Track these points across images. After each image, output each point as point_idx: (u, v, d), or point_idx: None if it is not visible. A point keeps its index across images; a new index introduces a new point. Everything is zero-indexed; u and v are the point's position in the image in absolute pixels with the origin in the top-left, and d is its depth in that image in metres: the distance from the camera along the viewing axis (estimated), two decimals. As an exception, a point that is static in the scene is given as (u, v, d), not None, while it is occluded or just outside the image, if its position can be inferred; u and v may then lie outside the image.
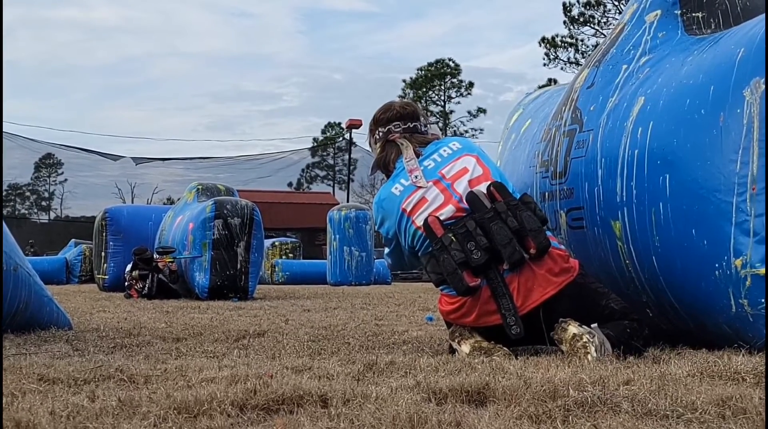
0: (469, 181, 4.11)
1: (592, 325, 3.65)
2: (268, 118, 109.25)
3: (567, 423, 2.20)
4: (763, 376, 2.83)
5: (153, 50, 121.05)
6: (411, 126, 4.43)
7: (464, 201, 4.04)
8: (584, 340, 3.56)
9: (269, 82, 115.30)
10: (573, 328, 3.64)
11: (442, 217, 4.02)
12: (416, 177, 4.18)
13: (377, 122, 4.48)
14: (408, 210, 4.14)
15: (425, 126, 4.52)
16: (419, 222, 4.07)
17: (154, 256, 12.92)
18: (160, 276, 12.60)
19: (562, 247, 4.15)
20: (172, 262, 12.69)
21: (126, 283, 13.04)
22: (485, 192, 4.03)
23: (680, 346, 3.93)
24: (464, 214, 4.00)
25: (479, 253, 3.85)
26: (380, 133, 4.45)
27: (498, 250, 3.86)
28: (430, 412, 2.27)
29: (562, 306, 3.84)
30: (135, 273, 12.73)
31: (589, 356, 3.49)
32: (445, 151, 4.26)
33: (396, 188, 4.24)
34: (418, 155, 4.28)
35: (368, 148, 4.71)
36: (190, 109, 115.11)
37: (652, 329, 4.29)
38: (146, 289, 12.47)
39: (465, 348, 3.89)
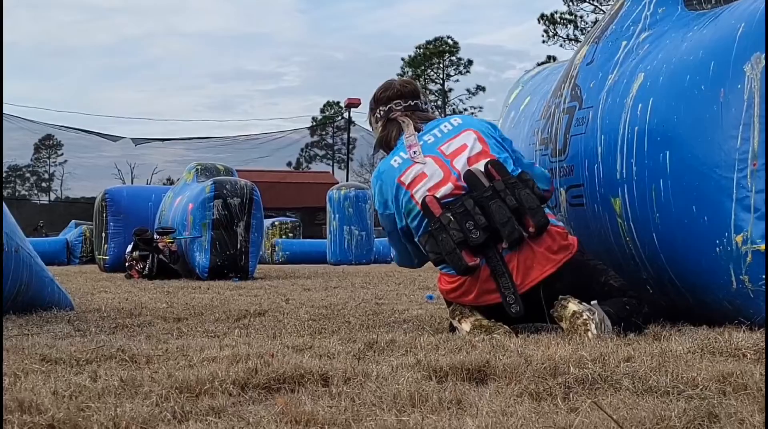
0: (468, 159, 4.09)
1: (592, 302, 3.64)
2: (269, 97, 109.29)
3: (567, 400, 2.20)
4: (764, 352, 2.83)
5: (153, 30, 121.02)
6: (412, 104, 4.42)
7: (462, 179, 4.03)
8: (584, 318, 3.56)
9: (270, 62, 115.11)
10: (573, 306, 3.63)
11: (439, 195, 4.01)
12: (414, 152, 4.17)
13: (378, 101, 4.48)
14: (406, 183, 4.13)
15: (426, 104, 4.52)
16: (418, 197, 4.06)
17: (154, 237, 12.91)
18: (161, 256, 12.61)
19: (561, 224, 4.15)
20: (172, 242, 12.68)
21: (126, 264, 13.04)
22: (482, 170, 4.02)
23: (681, 323, 3.93)
24: (462, 193, 3.99)
25: (478, 232, 3.85)
26: (381, 112, 4.44)
27: (497, 229, 3.85)
28: (430, 390, 2.27)
29: (562, 283, 3.84)
30: (135, 253, 12.73)
31: (589, 333, 3.49)
32: (445, 126, 4.26)
33: (395, 161, 4.23)
34: (418, 131, 4.29)
35: (367, 127, 4.71)
36: (191, 89, 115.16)
37: (652, 306, 4.30)
38: (147, 269, 12.48)
39: (465, 326, 3.89)
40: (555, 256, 3.90)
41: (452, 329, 4.03)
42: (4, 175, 66.46)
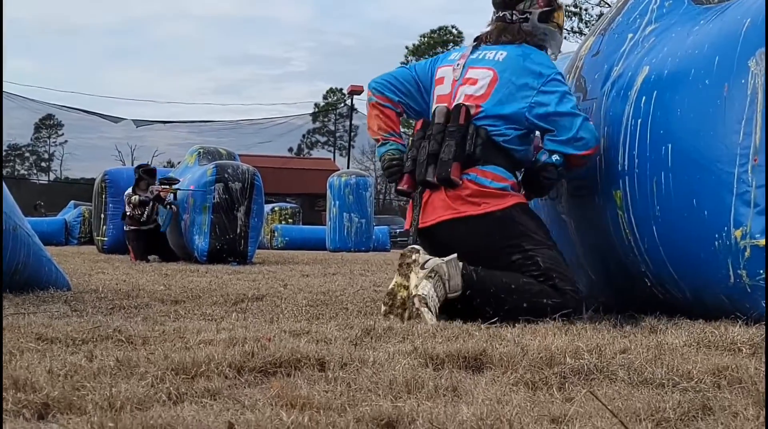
0: (465, 95, 4.28)
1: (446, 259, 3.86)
2: (275, 82, 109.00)
3: (563, 390, 2.21)
4: (759, 347, 2.84)
5: (160, 12, 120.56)
6: (500, 15, 4.50)
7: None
8: (416, 304, 3.75)
9: (278, 46, 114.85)
10: (414, 279, 3.83)
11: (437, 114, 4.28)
12: (457, 65, 4.42)
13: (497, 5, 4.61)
14: (437, 76, 4.48)
15: (521, 13, 4.45)
16: (434, 95, 4.45)
17: (157, 186, 12.78)
18: (159, 207, 12.62)
19: (495, 185, 4.14)
20: (175, 192, 12.55)
21: (124, 211, 12.92)
22: (448, 108, 4.25)
23: (677, 317, 3.94)
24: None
25: (409, 162, 4.26)
26: (492, 18, 4.58)
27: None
28: (426, 377, 2.28)
29: (461, 234, 4.07)
30: (135, 198, 12.67)
31: (421, 316, 3.70)
32: (490, 54, 4.37)
33: (454, 55, 4.55)
34: (487, 41, 4.47)
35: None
36: (197, 72, 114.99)
37: (651, 300, 4.31)
38: (144, 216, 12.44)
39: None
40: (458, 207, 4.08)
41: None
42: (4, 154, 66.43)
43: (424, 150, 4.18)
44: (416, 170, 4.20)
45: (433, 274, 3.81)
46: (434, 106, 4.38)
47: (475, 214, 4.07)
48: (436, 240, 4.16)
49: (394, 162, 4.39)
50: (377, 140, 4.54)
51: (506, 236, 4.07)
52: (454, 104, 4.26)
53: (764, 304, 3.56)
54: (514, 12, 4.45)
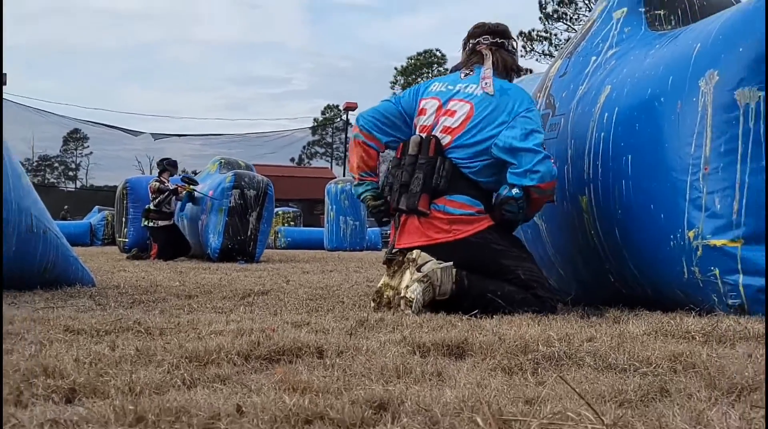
0: (444, 127, 4.17)
1: (441, 265, 3.86)
2: (278, 99, 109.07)
3: (536, 374, 2.21)
4: (711, 336, 2.84)
5: (173, 36, 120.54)
6: (499, 41, 4.40)
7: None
8: (406, 297, 3.77)
9: (280, 68, 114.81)
10: (408, 278, 3.83)
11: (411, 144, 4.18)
12: (486, 83, 4.21)
13: (470, 36, 4.49)
14: (420, 106, 4.31)
15: (512, 47, 4.46)
16: (418, 124, 4.28)
17: (179, 184, 12.85)
18: (173, 198, 12.70)
19: (459, 212, 4.05)
20: (191, 191, 12.56)
21: (146, 207, 12.94)
22: (421, 138, 4.15)
23: (638, 309, 3.94)
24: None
25: (387, 188, 4.22)
26: (470, 44, 4.47)
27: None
28: (414, 363, 2.28)
29: (440, 256, 3.94)
30: (155, 184, 12.71)
31: (401, 306, 3.77)
32: (472, 87, 4.22)
33: (436, 85, 4.36)
34: (496, 66, 4.31)
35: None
36: (208, 90, 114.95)
37: (614, 294, 4.32)
38: (157, 201, 12.49)
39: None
40: (431, 234, 4.04)
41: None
42: (35, 164, 66.26)
43: (396, 181, 4.12)
44: (390, 197, 4.16)
45: (425, 280, 3.78)
46: (422, 133, 4.22)
47: (448, 241, 3.99)
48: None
49: (382, 208, 4.30)
50: (354, 177, 4.44)
51: (485, 257, 3.99)
52: (428, 135, 4.14)
53: (715, 298, 3.57)
54: (510, 41, 4.41)
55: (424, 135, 4.17)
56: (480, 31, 4.41)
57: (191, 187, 12.57)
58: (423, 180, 4.03)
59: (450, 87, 4.27)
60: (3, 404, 1.60)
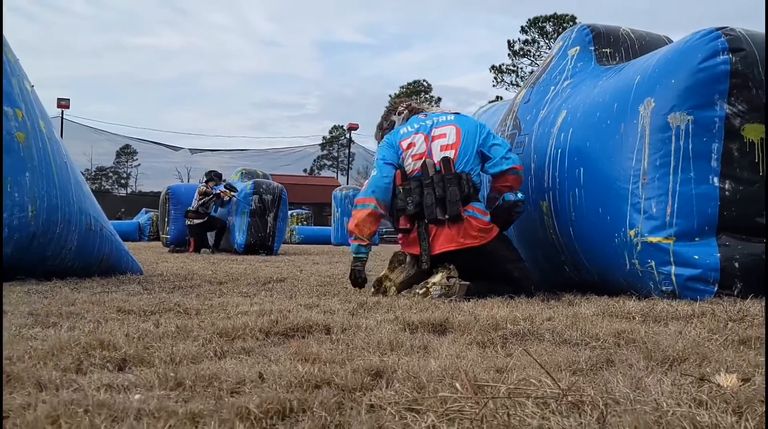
0: (441, 146, 4.13)
1: (461, 282, 3.84)
2: (294, 121, 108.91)
3: (505, 348, 2.21)
4: (648, 316, 2.85)
5: (207, 69, 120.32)
6: (415, 104, 4.57)
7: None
8: (431, 289, 3.80)
9: (295, 95, 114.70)
10: (436, 278, 3.86)
11: (409, 170, 4.14)
12: (426, 115, 4.33)
13: (395, 105, 4.60)
14: (404, 146, 4.21)
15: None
16: (407, 158, 4.17)
17: (222, 188, 12.89)
18: (214, 203, 12.72)
19: (486, 219, 4.04)
20: (232, 196, 12.57)
21: (187, 209, 12.96)
22: (436, 162, 4.08)
23: (588, 293, 3.95)
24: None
25: (412, 206, 4.04)
26: (403, 106, 4.55)
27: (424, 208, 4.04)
28: (404, 338, 2.28)
29: (465, 259, 3.96)
30: (203, 187, 12.78)
31: (429, 296, 3.76)
32: (444, 118, 4.26)
33: (403, 130, 4.32)
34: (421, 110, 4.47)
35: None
36: (235, 113, 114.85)
37: (569, 282, 4.32)
38: (201, 202, 12.56)
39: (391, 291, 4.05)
40: (461, 240, 3.97)
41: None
42: (93, 174, 66.11)
43: (429, 196, 3.99)
44: (425, 211, 4.00)
45: (446, 290, 3.79)
46: (413, 163, 4.13)
47: (474, 246, 3.96)
48: (439, 260, 3.99)
49: (361, 276, 4.23)
50: (361, 242, 4.16)
51: (491, 261, 3.99)
52: (435, 158, 4.08)
53: (651, 285, 3.57)
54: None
55: (427, 161, 4.09)
56: (402, 99, 4.70)
57: (232, 193, 12.62)
58: (458, 191, 3.97)
59: (422, 124, 4.26)
60: (2, 405, 1.60)
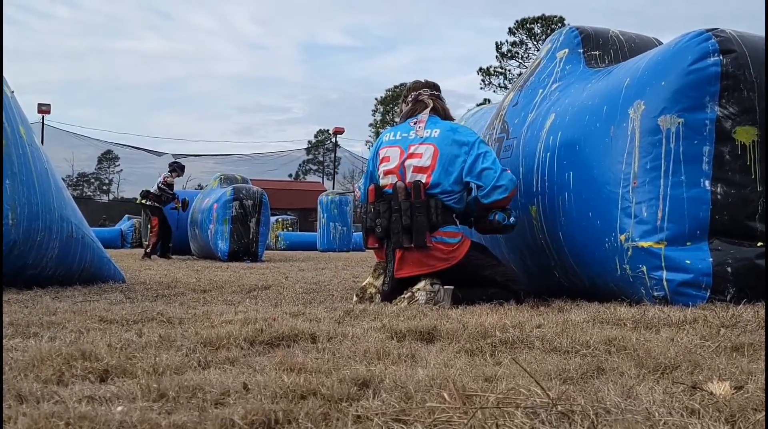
0: (414, 167, 4.10)
1: (445, 287, 3.90)
2: (279, 125, 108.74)
3: (494, 356, 2.21)
4: (640, 323, 2.85)
5: (192, 72, 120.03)
6: (435, 94, 4.43)
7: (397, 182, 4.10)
8: (416, 296, 3.83)
9: (281, 99, 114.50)
10: (418, 285, 3.89)
11: (383, 183, 4.16)
12: (419, 127, 4.21)
13: (411, 90, 4.48)
14: (381, 156, 4.25)
15: (443, 99, 4.49)
16: (380, 169, 4.21)
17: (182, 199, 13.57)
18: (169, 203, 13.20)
19: (455, 241, 4.02)
20: (178, 209, 13.44)
21: (146, 190, 13.33)
22: (408, 183, 4.05)
23: (578, 299, 3.95)
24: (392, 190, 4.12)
25: (380, 229, 4.05)
26: (412, 97, 4.44)
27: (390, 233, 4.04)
28: (392, 347, 2.27)
29: (442, 276, 3.96)
30: (171, 179, 13.22)
31: (417, 303, 3.78)
32: (428, 132, 4.18)
33: (390, 135, 4.32)
34: (436, 112, 4.31)
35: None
36: (220, 118, 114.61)
37: (559, 287, 4.32)
38: (164, 197, 13.03)
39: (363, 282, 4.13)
40: (429, 263, 3.97)
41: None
42: (75, 180, 65.79)
43: (396, 224, 3.98)
44: (391, 238, 4.00)
45: (432, 295, 3.83)
46: (384, 177, 4.16)
47: (445, 268, 3.97)
48: (409, 281, 3.99)
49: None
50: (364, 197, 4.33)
51: (469, 272, 4.00)
52: (408, 180, 4.05)
53: (643, 291, 3.58)
54: (439, 94, 4.43)
55: (405, 182, 4.07)
56: (420, 85, 4.45)
57: (180, 208, 13.39)
58: (426, 220, 3.96)
59: (404, 135, 4.22)
60: (3, 404, 1.58)
